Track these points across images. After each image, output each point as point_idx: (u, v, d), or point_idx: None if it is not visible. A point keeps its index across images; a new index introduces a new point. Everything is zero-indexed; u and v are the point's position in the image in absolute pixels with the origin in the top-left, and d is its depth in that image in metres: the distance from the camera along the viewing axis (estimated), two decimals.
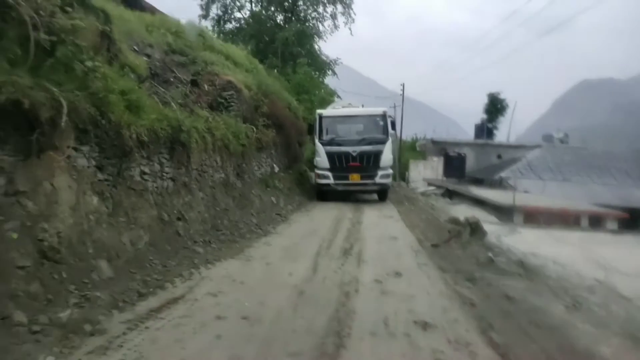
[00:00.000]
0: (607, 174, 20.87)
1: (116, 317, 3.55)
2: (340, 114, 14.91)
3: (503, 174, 20.32)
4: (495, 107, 33.64)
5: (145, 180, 5.79)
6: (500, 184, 19.74)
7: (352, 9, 32.96)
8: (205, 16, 32.89)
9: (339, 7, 33.31)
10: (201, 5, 32.82)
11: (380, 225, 9.15)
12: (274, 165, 13.14)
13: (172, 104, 7.02)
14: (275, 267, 5.35)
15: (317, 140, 13.94)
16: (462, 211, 12.79)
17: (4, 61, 3.87)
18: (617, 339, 3.45)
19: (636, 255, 7.91)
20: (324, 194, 13.88)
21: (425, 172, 25.87)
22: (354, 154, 13.27)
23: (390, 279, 4.96)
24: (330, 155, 13.41)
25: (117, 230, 4.80)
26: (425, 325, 3.57)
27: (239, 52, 14.23)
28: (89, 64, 4.50)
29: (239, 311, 3.78)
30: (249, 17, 33.59)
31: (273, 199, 10.72)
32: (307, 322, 3.56)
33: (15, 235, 3.62)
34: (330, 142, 13.67)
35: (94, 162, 4.84)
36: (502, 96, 33.79)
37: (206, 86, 10.00)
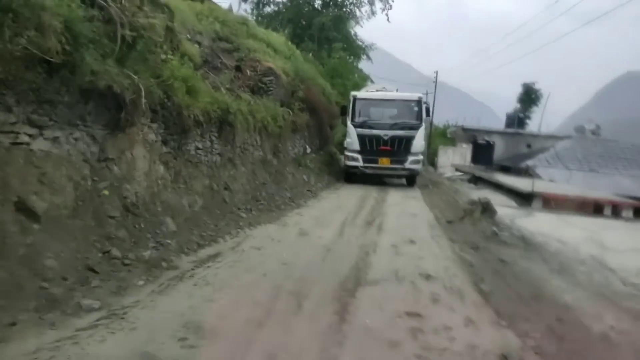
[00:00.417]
0: (634, 166, 20.84)
1: (184, 259, 4.55)
2: (374, 97, 14.87)
3: (530, 163, 20.59)
4: (529, 97, 33.43)
5: (199, 154, 6.80)
6: (526, 172, 20.04)
7: None
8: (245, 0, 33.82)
9: None
10: None
11: (403, 204, 9.95)
12: (307, 146, 14.03)
13: (222, 88, 7.99)
14: (307, 231, 6.28)
15: (349, 122, 13.98)
16: (484, 195, 13.40)
17: (99, 54, 4.87)
18: (584, 294, 4.21)
19: (636, 238, 8.46)
20: (351, 176, 13.96)
21: (454, 158, 26.29)
22: (386, 138, 13.25)
23: (405, 245, 5.81)
24: (361, 138, 13.44)
25: (178, 194, 5.83)
26: (428, 277, 4.42)
27: (279, 39, 15.08)
28: (162, 56, 5.47)
29: (278, 259, 4.73)
30: (287, 0, 34.30)
31: (305, 176, 11.64)
32: (332, 269, 4.47)
33: (107, 192, 4.66)
34: (362, 125, 13.65)
35: (160, 137, 5.85)
36: (537, 86, 33.50)
37: (248, 72, 10.93)
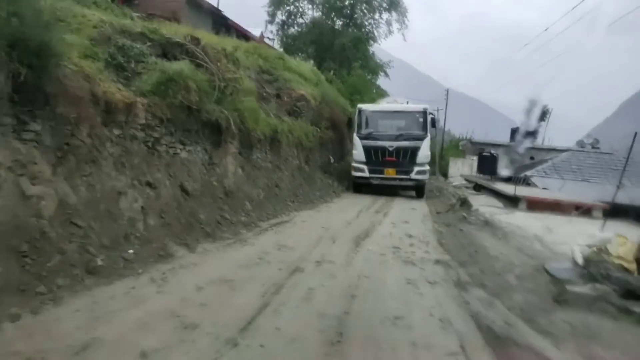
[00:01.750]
0: (624, 178, 23.12)
1: (261, 223, 7.49)
2: (380, 109, 15.42)
3: (528, 173, 23.07)
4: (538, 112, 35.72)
5: (259, 161, 9.79)
6: (524, 182, 22.52)
7: (406, 17, 35.91)
8: (271, 21, 37.31)
9: (394, 15, 36.46)
10: (268, 12, 37.11)
11: (407, 202, 12.77)
12: (331, 156, 16.94)
13: (271, 114, 10.99)
14: (334, 214, 9.18)
15: (355, 134, 14.50)
16: (481, 199, 16.18)
17: (208, 98, 7.87)
18: (505, 247, 6.95)
19: (582, 228, 11.04)
20: (359, 187, 14.32)
21: (463, 169, 28.85)
22: (391, 149, 13.72)
23: (401, 223, 8.64)
24: (366, 149, 13.87)
25: (250, 187, 8.80)
26: (410, 236, 7.26)
27: (308, 68, 18.15)
28: (243, 99, 8.49)
29: (318, 225, 7.65)
30: (310, 22, 37.58)
31: (329, 181, 14.54)
32: (351, 231, 7.35)
33: (215, 183, 7.64)
34: (368, 136, 14.11)
35: (238, 150, 8.84)
36: (544, 102, 35.82)
37: (286, 98, 13.94)
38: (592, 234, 6.55)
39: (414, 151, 13.83)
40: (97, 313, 3.17)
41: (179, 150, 6.89)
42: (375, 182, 13.96)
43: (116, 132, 5.37)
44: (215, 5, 24.32)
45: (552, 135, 36.72)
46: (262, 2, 37.29)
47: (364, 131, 14.43)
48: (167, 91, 6.47)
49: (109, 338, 2.80)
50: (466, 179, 25.83)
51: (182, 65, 6.94)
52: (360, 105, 15.37)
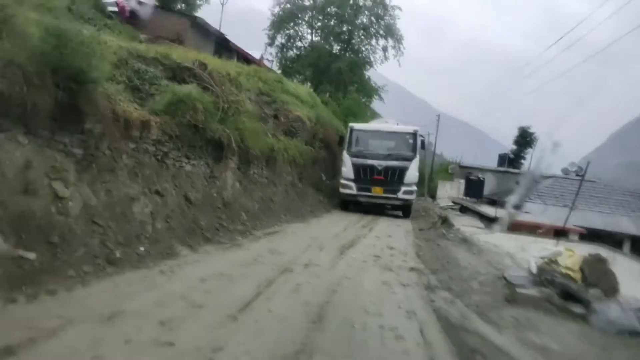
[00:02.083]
0: (604, 204, 24.11)
1: (256, 232, 8.15)
2: (371, 129, 15.88)
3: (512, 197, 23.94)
4: (524, 139, 36.94)
5: (255, 176, 10.49)
6: (514, 206, 23.37)
7: (402, 44, 37.15)
8: (271, 44, 38.51)
9: (390, 41, 37.73)
10: (268, 35, 38.30)
11: (393, 220, 13.47)
12: (322, 174, 17.67)
13: (268, 133, 11.75)
14: (323, 227, 9.88)
15: (344, 151, 14.82)
16: (464, 220, 16.96)
17: (213, 118, 8.61)
18: (478, 261, 7.65)
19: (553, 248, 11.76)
20: (346, 204, 14.58)
21: (451, 192, 29.69)
22: (379, 168, 14.01)
23: (384, 237, 9.34)
24: (355, 167, 14.19)
25: (246, 200, 9.48)
26: (391, 248, 7.95)
27: (305, 91, 19.06)
28: (244, 119, 9.25)
29: (308, 236, 8.33)
30: (308, 46, 38.81)
31: (320, 197, 15.24)
32: (338, 242, 8.03)
33: (215, 195, 8.32)
34: (357, 154, 14.43)
35: (237, 166, 9.54)
36: (532, 130, 37.07)
37: (282, 119, 14.74)
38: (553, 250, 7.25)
39: (402, 171, 14.10)
40: (118, 293, 3.82)
41: (184, 164, 7.59)
42: (362, 199, 14.21)
43: (131, 145, 6.08)
44: (218, 27, 25.38)
45: (546, 163, 37.92)
46: (262, 25, 38.49)
47: (354, 149, 14.75)
48: (176, 111, 7.22)
49: (131, 311, 3.46)
50: (453, 201, 26.67)
51: (190, 89, 7.72)
52: (352, 124, 15.80)
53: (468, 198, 26.85)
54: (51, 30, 4.50)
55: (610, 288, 5.06)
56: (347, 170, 14.44)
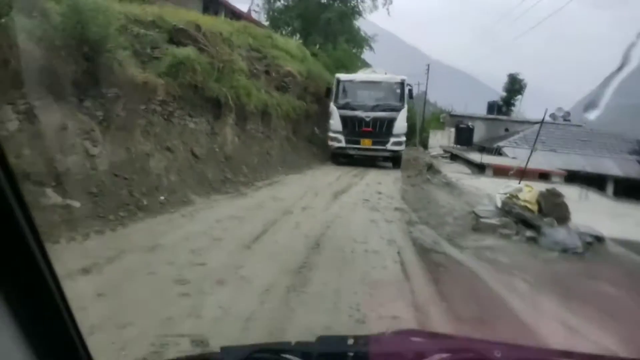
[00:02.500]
0: (588, 147, 25.10)
1: (257, 183, 8.98)
2: (358, 79, 15.44)
3: (501, 144, 24.84)
4: (513, 86, 37.39)
5: (252, 132, 11.19)
6: (497, 152, 24.30)
7: None
8: None
9: None
10: None
11: (384, 169, 14.35)
12: (315, 128, 18.33)
13: (261, 90, 12.32)
14: (317, 177, 10.75)
15: (332, 103, 14.52)
16: (453, 167, 17.90)
17: (210, 77, 9.19)
18: (456, 201, 8.57)
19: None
20: (337, 157, 14.54)
21: (442, 141, 30.55)
22: (367, 119, 13.82)
23: (374, 184, 10.22)
24: (343, 119, 13.98)
25: (246, 154, 10.25)
26: (380, 192, 8.84)
27: (294, 45, 19.30)
28: (238, 77, 9.84)
29: (304, 184, 9.20)
30: None
31: (315, 150, 16.00)
32: (331, 189, 8.90)
33: (217, 150, 9.08)
34: (345, 106, 14.14)
35: (235, 122, 10.22)
36: (521, 76, 37.45)
37: (274, 74, 15.21)
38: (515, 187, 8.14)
39: (391, 122, 13.92)
40: (152, 232, 4.68)
41: (188, 122, 8.28)
42: (351, 152, 14.17)
43: (142, 107, 6.76)
44: None
45: (537, 109, 38.48)
46: None
47: (341, 101, 14.48)
48: (177, 73, 7.84)
49: (166, 243, 4.33)
50: (444, 150, 27.55)
51: (189, 51, 8.28)
52: (338, 75, 15.42)
53: (458, 146, 27.71)
54: (72, 8, 5.08)
55: (561, 217, 6.00)
56: (335, 122, 14.30)
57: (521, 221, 5.70)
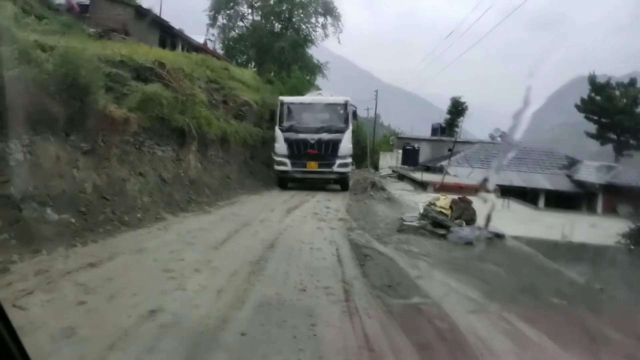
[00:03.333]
0: (522, 165, 27.74)
1: (219, 203, 10.07)
2: (301, 101, 15.48)
3: (444, 163, 26.99)
4: (456, 109, 40.38)
5: (213, 158, 12.31)
6: (440, 170, 26.41)
7: (340, 21, 38.77)
8: (212, 25, 39.04)
9: (329, 19, 39.29)
10: (209, 15, 38.68)
11: (333, 188, 15.74)
12: (272, 153, 19.57)
13: (220, 119, 13.50)
14: (273, 197, 11.96)
15: (276, 127, 14.46)
16: (399, 185, 19.57)
17: (174, 110, 10.28)
18: (390, 210, 10.01)
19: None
20: (283, 182, 14.41)
21: (391, 162, 32.59)
22: (312, 142, 13.69)
23: (324, 201, 11.54)
24: (288, 142, 13.89)
25: (208, 178, 11.33)
26: (327, 207, 10.16)
27: (250, 75, 20.67)
28: (200, 109, 11.00)
29: (261, 203, 10.38)
30: (250, 25, 39.66)
31: (271, 173, 17.18)
32: (285, 206, 10.13)
33: (182, 174, 10.14)
34: (289, 129, 14.06)
35: (197, 149, 11.32)
36: (463, 99, 40.54)
37: (231, 104, 16.43)
38: (434, 196, 9.67)
39: (336, 144, 13.86)
40: (136, 240, 5.74)
41: (156, 150, 9.34)
42: (298, 175, 14.09)
43: (118, 138, 7.80)
44: (159, 9, 26.17)
45: (480, 128, 41.59)
46: (203, 6, 38.69)
47: (285, 124, 14.39)
48: (146, 107, 8.91)
49: (149, 248, 5.40)
50: (393, 170, 29.52)
51: (155, 87, 9.41)
52: (282, 98, 15.39)
53: (406, 166, 29.71)
54: (63, 58, 6.16)
55: (469, 219, 7.53)
56: (280, 146, 14.19)
57: (436, 223, 7.15)
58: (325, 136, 13.83)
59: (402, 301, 4.02)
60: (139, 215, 6.97)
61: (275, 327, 3.32)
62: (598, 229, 10.15)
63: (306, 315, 3.57)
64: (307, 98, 16.24)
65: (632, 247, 8.37)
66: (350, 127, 14.58)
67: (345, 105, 14.57)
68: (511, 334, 3.38)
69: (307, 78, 38.56)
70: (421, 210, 7.86)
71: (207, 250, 5.52)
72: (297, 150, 13.87)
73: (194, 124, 10.79)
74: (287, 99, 15.47)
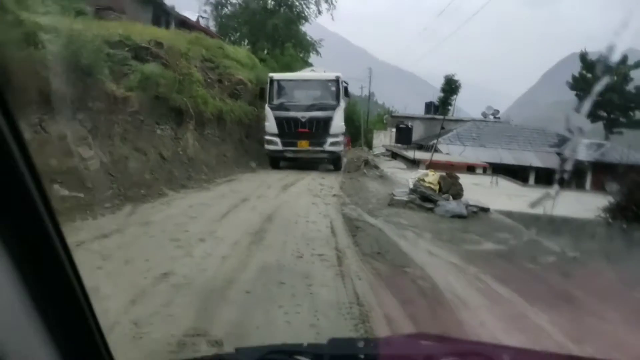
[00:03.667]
0: (513, 142, 28.17)
1: (217, 180, 10.42)
2: (291, 78, 15.03)
3: (436, 141, 27.38)
4: (450, 87, 40.55)
5: (209, 136, 12.59)
6: (432, 148, 26.81)
7: None
8: (205, 2, 38.63)
9: None
10: None
11: (328, 166, 16.11)
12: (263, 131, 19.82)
13: (216, 98, 13.73)
14: (269, 175, 12.33)
15: (266, 105, 13.95)
16: (392, 163, 19.98)
17: (172, 89, 10.52)
18: (383, 187, 10.41)
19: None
20: (275, 161, 14.06)
21: (385, 140, 32.91)
22: (303, 120, 13.26)
23: (318, 178, 11.91)
24: (278, 120, 13.43)
25: (205, 156, 11.64)
26: (322, 184, 10.54)
27: (244, 54, 20.72)
28: (196, 88, 11.24)
29: (259, 180, 10.75)
30: (243, 2, 39.23)
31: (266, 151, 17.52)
32: (281, 183, 10.50)
33: (181, 152, 10.44)
34: (279, 107, 13.56)
35: (194, 128, 11.59)
36: (456, 77, 40.64)
37: (226, 83, 16.60)
38: (423, 172, 10.05)
39: (327, 122, 13.43)
40: (142, 214, 6.10)
41: (156, 129, 9.62)
42: (289, 155, 13.77)
43: (120, 117, 8.08)
44: None
45: (475, 106, 41.90)
46: None
47: (275, 101, 13.94)
48: (145, 86, 9.17)
49: (155, 221, 5.78)
50: (386, 149, 29.89)
51: (153, 67, 9.65)
52: (271, 74, 14.86)
53: (399, 145, 30.06)
54: (68, 40, 6.40)
55: (456, 194, 7.95)
56: (270, 124, 13.74)
57: (424, 197, 7.57)
58: (316, 114, 13.37)
59: (389, 265, 4.44)
60: (142, 191, 7.31)
61: (275, 287, 3.73)
62: (582, 204, 10.63)
63: (303, 277, 3.99)
64: (297, 75, 15.70)
65: (611, 220, 8.84)
66: (342, 105, 14.02)
67: (336, 81, 13.99)
68: (485, 291, 3.82)
69: (301, 55, 38.48)
70: (411, 186, 8.26)
71: (210, 222, 5.90)
72: (288, 128, 13.45)
73: (191, 103, 11.03)
74: (276, 75, 15.02)
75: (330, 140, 13.43)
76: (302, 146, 13.40)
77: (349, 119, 29.38)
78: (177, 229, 5.43)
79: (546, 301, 3.82)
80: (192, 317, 3.04)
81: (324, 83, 14.30)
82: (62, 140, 6.24)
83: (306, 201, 8.16)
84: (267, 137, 13.70)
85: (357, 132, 34.19)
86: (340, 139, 13.94)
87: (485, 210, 7.86)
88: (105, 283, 3.50)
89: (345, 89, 14.52)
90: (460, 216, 7.13)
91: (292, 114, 13.43)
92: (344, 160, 15.56)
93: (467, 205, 7.56)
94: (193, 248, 4.66)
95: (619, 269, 5.10)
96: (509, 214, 8.21)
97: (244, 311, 3.25)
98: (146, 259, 4.19)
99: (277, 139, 13.44)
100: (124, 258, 4.18)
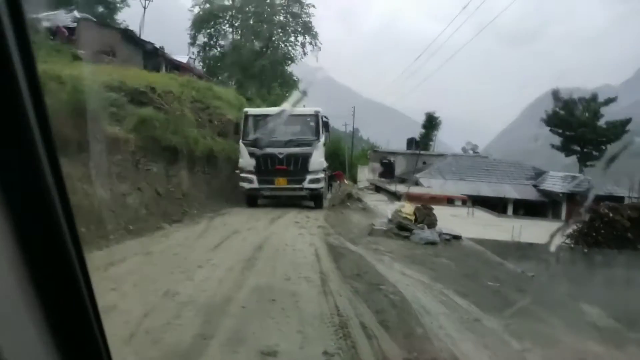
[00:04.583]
0: (492, 176, 29.33)
1: (209, 215, 10.99)
2: (268, 113, 14.36)
3: (417, 175, 28.40)
4: (430, 123, 42.17)
5: (200, 173, 13.23)
6: (415, 182, 27.79)
7: (318, 39, 40.36)
8: (192, 43, 40.12)
9: (308, 38, 40.83)
10: (189, 34, 39.72)
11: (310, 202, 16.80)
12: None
13: (207, 137, 14.47)
14: (257, 209, 12.93)
15: (241, 141, 13.50)
16: (375, 196, 20.77)
17: (166, 130, 11.23)
18: (364, 218, 11.10)
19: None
20: (252, 199, 13.33)
21: (369, 175, 33.90)
22: (281, 156, 12.79)
23: (305, 211, 12.56)
24: (254, 157, 12.92)
25: (196, 191, 12.25)
26: (308, 217, 11.18)
27: (232, 94, 21.72)
28: (189, 129, 11.98)
29: (247, 214, 11.34)
30: (230, 44, 40.80)
31: None
32: (269, 216, 11.11)
33: (174, 189, 11.07)
34: (255, 143, 12.96)
35: (186, 166, 12.25)
36: (437, 114, 42.36)
37: (216, 122, 17.42)
38: (400, 204, 10.78)
39: (306, 158, 12.92)
40: (143, 245, 6.67)
41: (151, 167, 10.26)
42: (266, 192, 13.28)
43: (119, 157, 8.73)
44: (138, 28, 27.15)
45: (456, 140, 43.54)
46: (184, 25, 39.63)
47: (251, 137, 13.35)
48: (141, 128, 9.88)
49: (155, 251, 6.35)
50: (370, 183, 30.82)
51: (149, 110, 10.39)
52: (246, 109, 14.64)
53: (382, 179, 31.01)
54: (74, 89, 7.12)
55: (430, 223, 8.67)
56: (245, 161, 13.20)
57: (401, 227, 8.27)
58: (294, 150, 12.87)
59: (366, 284, 5.07)
60: (141, 225, 7.88)
61: (267, 303, 4.33)
62: (551, 232, 11.46)
63: (291, 295, 4.59)
64: (273, 110, 14.97)
65: (572, 245, 9.64)
66: (322, 140, 13.43)
67: (315, 116, 13.44)
68: (446, 303, 4.47)
69: (287, 95, 39.83)
70: (389, 216, 8.97)
71: (205, 252, 6.49)
72: (265, 165, 12.87)
73: (183, 142, 11.74)
74: (251, 110, 14.74)
75: (309, 177, 12.97)
76: (280, 184, 12.96)
77: (334, 154, 30.40)
78: (177, 257, 6.01)
79: (499, 310, 4.48)
80: (198, 326, 3.62)
81: (302, 118, 13.70)
82: (67, 179, 6.84)
83: (293, 232, 8.78)
84: (243, 175, 13.15)
85: (342, 167, 35.13)
86: (321, 175, 13.51)
87: (457, 237, 8.57)
88: (121, 301, 4.07)
89: (326, 123, 14.18)
90: (433, 243, 7.83)
91: (269, 150, 12.78)
92: (328, 197, 15.72)
93: (441, 234, 8.28)
94: (193, 273, 5.24)
95: (569, 285, 5.80)
96: (480, 242, 8.94)
97: (242, 321, 3.83)
98: (153, 282, 4.76)
99: (254, 177, 12.91)
100: (132, 281, 4.75)
